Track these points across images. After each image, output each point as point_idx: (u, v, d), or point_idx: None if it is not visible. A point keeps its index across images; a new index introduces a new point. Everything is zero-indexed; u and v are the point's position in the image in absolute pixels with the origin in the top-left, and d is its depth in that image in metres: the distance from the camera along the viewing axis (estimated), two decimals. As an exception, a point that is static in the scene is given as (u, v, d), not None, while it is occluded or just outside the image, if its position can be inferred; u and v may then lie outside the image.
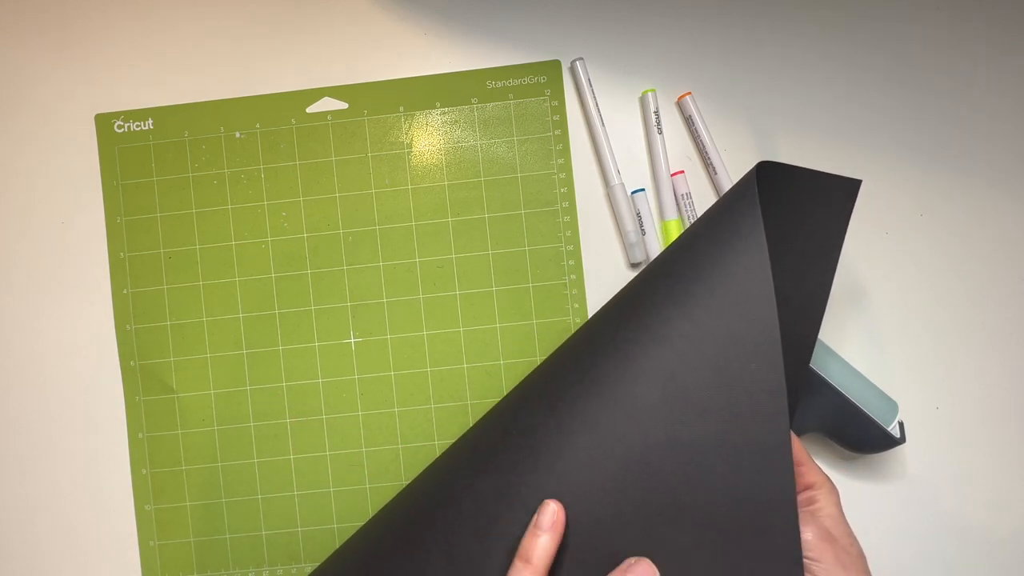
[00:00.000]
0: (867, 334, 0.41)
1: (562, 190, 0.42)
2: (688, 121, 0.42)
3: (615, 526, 0.30)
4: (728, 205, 0.32)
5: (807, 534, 0.31)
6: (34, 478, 0.42)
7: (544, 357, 0.41)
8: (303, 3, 0.43)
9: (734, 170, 0.41)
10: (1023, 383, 0.41)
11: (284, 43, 0.43)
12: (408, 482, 0.41)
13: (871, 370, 0.40)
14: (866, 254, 0.41)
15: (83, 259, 0.42)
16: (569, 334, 0.41)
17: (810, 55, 0.42)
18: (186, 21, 0.43)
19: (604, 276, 0.42)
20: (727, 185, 0.41)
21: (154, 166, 0.42)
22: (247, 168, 0.42)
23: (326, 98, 0.42)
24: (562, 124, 0.42)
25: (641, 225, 0.41)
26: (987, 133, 0.42)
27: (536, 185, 0.42)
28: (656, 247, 0.41)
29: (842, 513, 0.34)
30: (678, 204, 0.41)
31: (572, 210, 0.42)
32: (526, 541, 0.29)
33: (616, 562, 0.29)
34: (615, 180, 0.41)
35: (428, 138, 0.42)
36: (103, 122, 0.43)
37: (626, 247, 0.42)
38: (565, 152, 0.42)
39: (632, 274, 0.42)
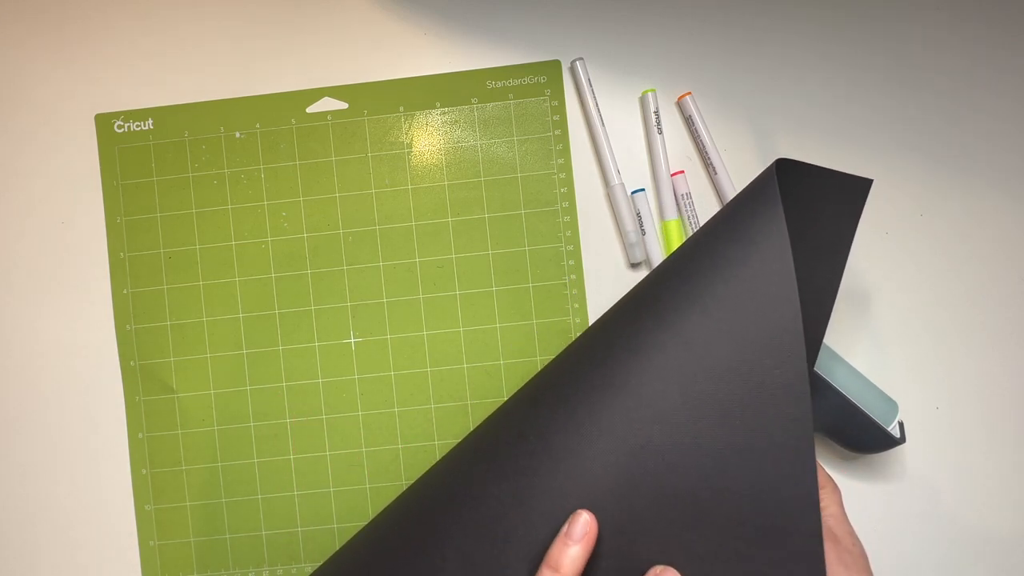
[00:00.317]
0: (867, 334, 0.41)
1: (562, 190, 0.42)
2: (688, 121, 0.42)
3: (636, 532, 0.29)
4: (747, 202, 0.31)
5: None
6: (34, 478, 0.42)
7: (544, 357, 0.41)
8: (303, 3, 0.43)
9: (734, 170, 0.41)
10: (1023, 383, 0.41)
11: (284, 43, 0.43)
12: (409, 482, 0.41)
13: (871, 370, 0.40)
14: (866, 254, 0.41)
15: (83, 259, 0.42)
16: (569, 334, 0.41)
17: (810, 55, 0.42)
18: (186, 21, 0.43)
19: (604, 276, 0.42)
20: (727, 185, 0.41)
21: (154, 166, 0.42)
22: (247, 168, 0.42)
23: (326, 98, 0.42)
24: (562, 124, 0.42)
25: (641, 225, 0.41)
26: (987, 133, 0.42)
27: (536, 185, 0.42)
28: (656, 247, 0.41)
29: (844, 513, 0.34)
30: (678, 204, 0.41)
31: (572, 210, 0.42)
32: (555, 550, 0.28)
33: (637, 570, 0.29)
34: (615, 180, 0.41)
35: (428, 138, 0.42)
36: (103, 122, 0.43)
37: (626, 247, 0.42)
38: (565, 152, 0.42)
39: (632, 274, 0.42)
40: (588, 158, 0.42)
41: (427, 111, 0.42)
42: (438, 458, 0.38)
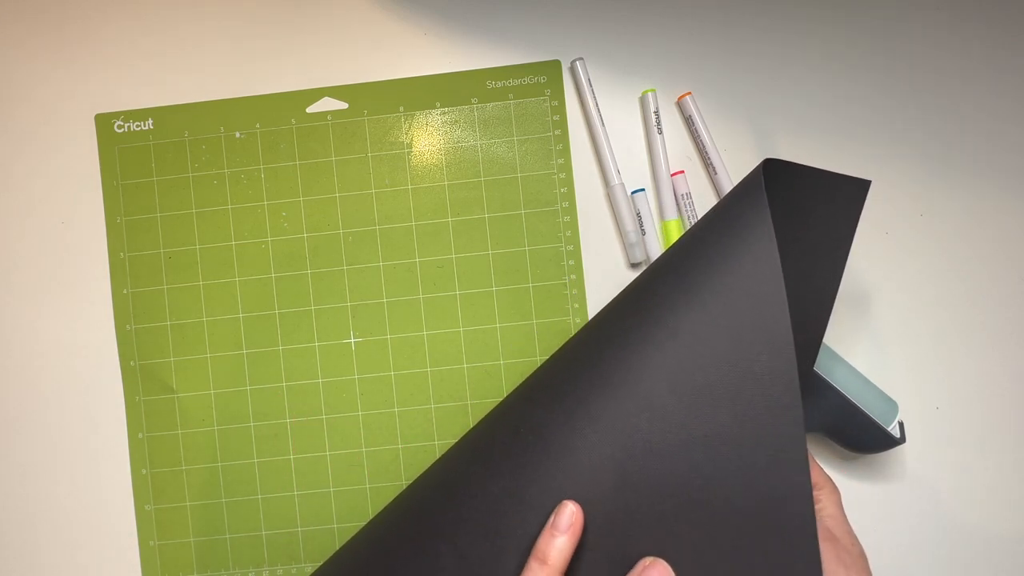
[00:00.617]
0: (867, 334, 0.41)
1: (562, 190, 0.42)
2: (688, 121, 0.42)
3: (628, 525, 0.29)
4: (735, 199, 0.32)
5: None
6: (34, 478, 0.42)
7: (544, 357, 0.41)
8: (303, 3, 0.43)
9: (734, 170, 0.41)
10: (1023, 383, 0.41)
11: (284, 43, 0.43)
12: (408, 482, 0.41)
13: (871, 370, 0.40)
14: (866, 254, 0.41)
15: (83, 259, 0.42)
16: (569, 334, 0.41)
17: (810, 55, 0.42)
18: (186, 21, 0.43)
19: (604, 276, 0.42)
20: (727, 185, 0.41)
21: (154, 166, 0.42)
22: (247, 168, 0.42)
23: (326, 98, 0.42)
24: (562, 124, 0.42)
25: (641, 225, 0.41)
26: (988, 133, 0.42)
27: (536, 185, 0.42)
28: (656, 247, 0.41)
29: (843, 513, 0.34)
30: (678, 204, 0.41)
31: (572, 210, 0.42)
32: (542, 542, 0.28)
33: (630, 562, 0.29)
34: (615, 180, 0.41)
35: (428, 138, 0.42)
36: (103, 122, 0.43)
37: (626, 247, 0.42)
38: (565, 152, 0.42)
39: (632, 274, 0.42)
40: (588, 158, 0.42)
41: (427, 111, 0.42)
42: (438, 458, 0.38)
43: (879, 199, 0.42)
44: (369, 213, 0.42)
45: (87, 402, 0.42)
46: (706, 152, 0.41)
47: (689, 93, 0.42)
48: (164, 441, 0.42)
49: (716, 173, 0.41)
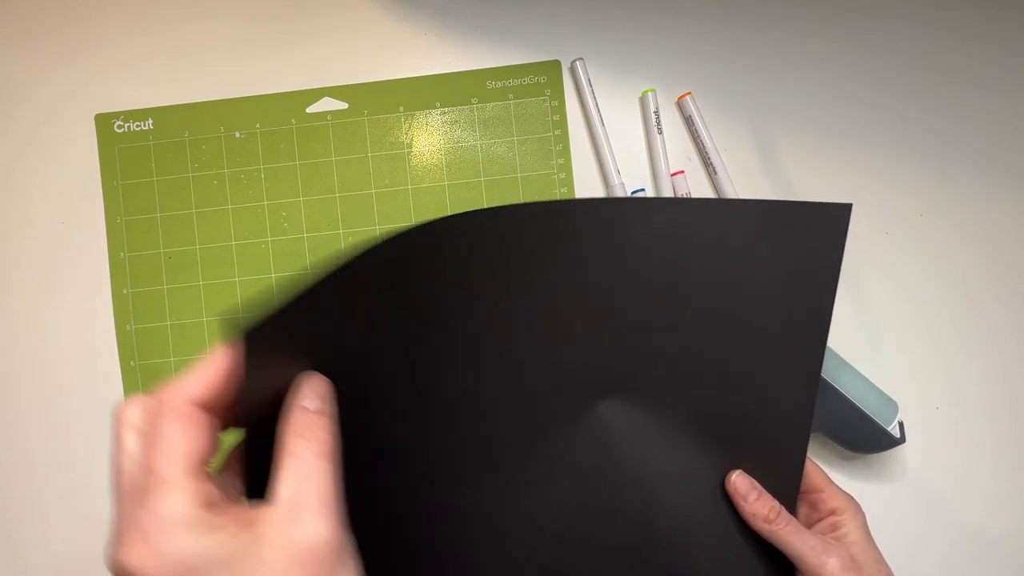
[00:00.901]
0: (867, 334, 0.41)
1: (562, 190, 0.42)
2: (688, 121, 0.42)
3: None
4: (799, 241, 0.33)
5: (831, 561, 0.31)
6: (35, 477, 0.42)
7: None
8: (303, 3, 0.43)
9: (734, 170, 0.41)
10: (1023, 383, 0.41)
11: (284, 43, 0.43)
12: None
13: (871, 370, 0.40)
14: (866, 254, 0.41)
15: (83, 259, 0.42)
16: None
17: (810, 55, 0.42)
18: (186, 21, 0.43)
19: (604, 276, 0.42)
20: (727, 185, 0.41)
21: (154, 166, 0.42)
22: (247, 168, 0.42)
23: (326, 98, 0.42)
24: (562, 124, 0.42)
25: (641, 225, 0.41)
26: (988, 133, 0.42)
27: (536, 185, 0.42)
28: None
29: (869, 537, 0.33)
30: (678, 204, 0.42)
31: (572, 210, 0.42)
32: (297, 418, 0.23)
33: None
34: (615, 180, 0.41)
35: (428, 138, 0.42)
36: (103, 122, 0.43)
37: (626, 247, 0.41)
38: (565, 152, 0.42)
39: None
40: (588, 158, 0.42)
41: (427, 111, 0.42)
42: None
43: (879, 199, 0.42)
44: (369, 213, 0.42)
45: (87, 402, 0.42)
46: (706, 152, 0.41)
47: (689, 93, 0.42)
48: (164, 441, 0.42)
49: (716, 173, 0.41)
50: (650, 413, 0.34)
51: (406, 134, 0.42)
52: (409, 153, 0.42)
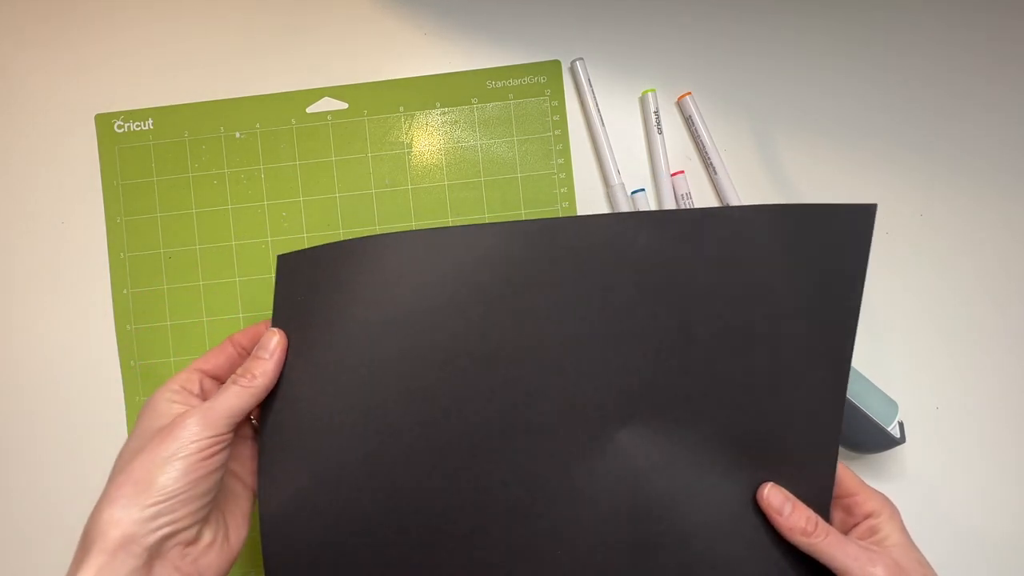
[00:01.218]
0: (867, 334, 0.41)
1: (562, 190, 0.42)
2: (688, 121, 0.42)
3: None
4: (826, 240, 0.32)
5: (877, 571, 0.30)
6: (35, 478, 0.42)
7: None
8: (303, 3, 0.43)
9: (734, 170, 0.41)
10: (1023, 383, 0.41)
11: (284, 43, 0.43)
12: None
13: (871, 370, 0.40)
14: (866, 254, 0.42)
15: (83, 259, 0.42)
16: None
17: (810, 55, 0.42)
18: (186, 21, 0.43)
19: (604, 276, 0.42)
20: (727, 185, 0.41)
21: (154, 166, 0.42)
22: (247, 168, 0.42)
23: (326, 98, 0.42)
24: (562, 124, 0.42)
25: (641, 225, 0.41)
26: (988, 133, 0.42)
27: (536, 185, 0.42)
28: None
29: (909, 538, 0.32)
30: (678, 204, 0.41)
31: (572, 210, 0.42)
32: (251, 363, 0.32)
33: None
34: (615, 180, 0.41)
35: (428, 138, 0.42)
36: (103, 122, 0.43)
37: (626, 247, 0.41)
38: (565, 152, 0.42)
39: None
40: (588, 158, 0.42)
41: (427, 111, 0.42)
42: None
43: (879, 199, 0.42)
44: (369, 213, 0.42)
45: (87, 402, 0.42)
46: (706, 152, 0.41)
47: (689, 93, 0.42)
48: (164, 441, 0.42)
49: (716, 173, 0.41)
50: (674, 436, 0.33)
51: (406, 134, 0.42)
52: (409, 153, 0.42)
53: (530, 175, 0.42)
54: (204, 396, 0.33)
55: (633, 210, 0.41)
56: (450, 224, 0.42)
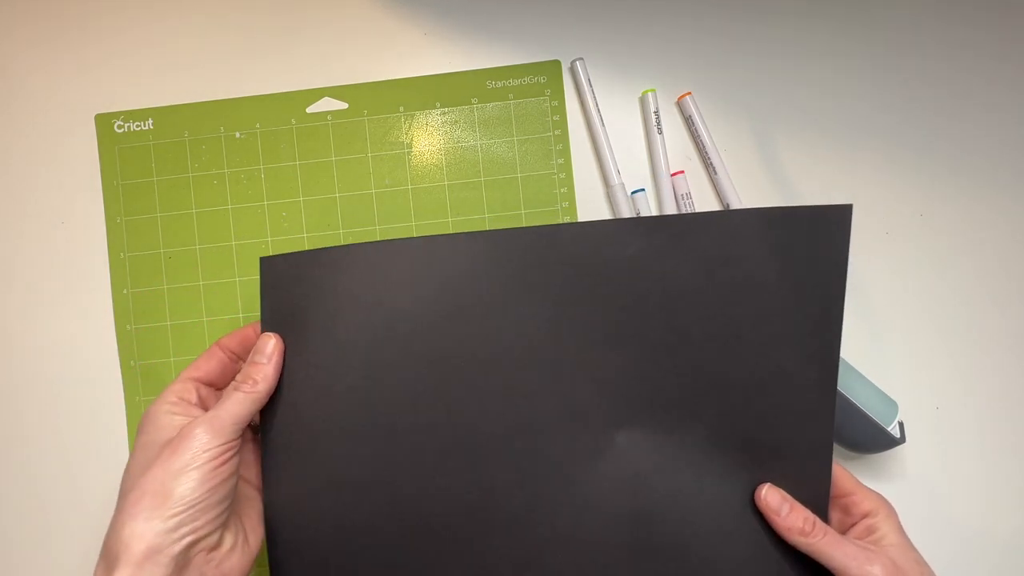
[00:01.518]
0: (867, 334, 0.41)
1: (562, 190, 0.42)
2: (688, 121, 0.42)
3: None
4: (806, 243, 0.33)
5: (874, 570, 0.30)
6: (34, 479, 0.42)
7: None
8: (303, 3, 0.43)
9: (734, 170, 0.41)
10: (1023, 383, 0.41)
11: (284, 43, 0.43)
12: None
13: (871, 370, 0.40)
14: (866, 254, 0.41)
15: (83, 259, 0.42)
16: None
17: (810, 55, 0.42)
18: (186, 21, 0.43)
19: (604, 276, 0.42)
20: (727, 185, 0.41)
21: (154, 166, 0.42)
22: (247, 168, 0.42)
23: (326, 98, 0.42)
24: (562, 124, 0.42)
25: (641, 225, 0.41)
26: (988, 133, 0.42)
27: (536, 185, 0.42)
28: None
29: (906, 537, 0.33)
30: (678, 204, 0.41)
31: (572, 210, 0.42)
32: (251, 368, 0.32)
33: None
34: (615, 180, 0.41)
35: (428, 138, 0.42)
36: (103, 122, 0.43)
37: (626, 247, 0.41)
38: (565, 152, 0.42)
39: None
40: (588, 158, 0.42)
41: (427, 111, 0.42)
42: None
43: (879, 199, 0.42)
44: (369, 213, 0.42)
45: (87, 402, 0.42)
46: (706, 152, 0.41)
47: (689, 93, 0.42)
48: (164, 441, 0.42)
49: (716, 173, 0.41)
50: (672, 438, 0.33)
51: (406, 134, 0.42)
52: (409, 153, 0.42)
53: (530, 175, 0.42)
54: (202, 404, 0.33)
55: (633, 211, 0.41)
56: (450, 224, 0.42)
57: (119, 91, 0.43)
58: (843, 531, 0.34)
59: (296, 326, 0.33)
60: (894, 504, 0.35)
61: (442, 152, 0.42)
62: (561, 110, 0.42)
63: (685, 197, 0.41)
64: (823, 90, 0.42)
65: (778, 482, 0.33)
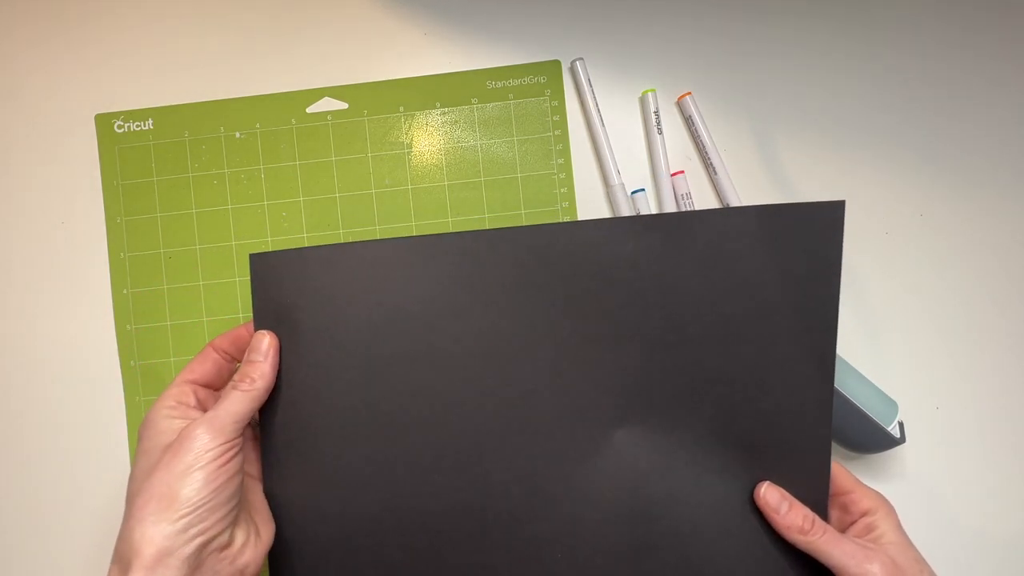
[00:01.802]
0: (867, 334, 0.41)
1: (562, 190, 0.42)
2: (688, 121, 0.42)
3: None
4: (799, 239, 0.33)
5: (873, 568, 0.30)
6: (34, 479, 0.42)
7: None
8: (303, 3, 0.43)
9: (734, 170, 0.41)
10: (1023, 383, 0.41)
11: (284, 43, 0.43)
12: None
13: (871, 370, 0.40)
14: (866, 254, 0.41)
15: (83, 259, 0.42)
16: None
17: (810, 54, 0.42)
18: (186, 21, 0.43)
19: (604, 276, 0.42)
20: (727, 185, 0.41)
21: (154, 166, 0.42)
22: (247, 168, 0.42)
23: (326, 98, 0.42)
24: (562, 124, 0.42)
25: (641, 225, 0.41)
26: (987, 133, 0.42)
27: (536, 185, 0.42)
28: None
29: (905, 536, 0.33)
30: (678, 204, 0.41)
31: (572, 210, 0.42)
32: (248, 367, 0.32)
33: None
34: (615, 180, 0.41)
35: (428, 138, 0.42)
36: (103, 122, 0.43)
37: (626, 247, 0.41)
38: (565, 152, 0.42)
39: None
40: (588, 158, 0.42)
41: (427, 111, 0.42)
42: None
43: (878, 199, 0.42)
44: (369, 213, 0.42)
45: (87, 402, 0.42)
46: (706, 152, 0.41)
47: (689, 93, 0.42)
48: (164, 441, 0.42)
49: (716, 173, 0.41)
50: (671, 435, 0.33)
51: (406, 134, 0.42)
52: (409, 153, 0.42)
53: (530, 175, 0.42)
54: (201, 406, 0.33)
55: (633, 211, 0.41)
56: (450, 224, 0.42)
57: (119, 91, 0.43)
58: (842, 529, 0.34)
59: (290, 323, 0.33)
60: (894, 504, 0.35)
61: (442, 152, 0.42)
62: (561, 110, 0.42)
63: (685, 197, 0.41)
64: (823, 90, 0.42)
65: (777, 480, 0.33)
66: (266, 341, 0.33)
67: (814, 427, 0.33)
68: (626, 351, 0.33)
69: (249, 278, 0.42)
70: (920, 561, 0.32)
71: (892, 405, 0.39)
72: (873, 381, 0.39)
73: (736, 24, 0.42)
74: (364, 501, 0.33)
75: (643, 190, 0.41)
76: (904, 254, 0.42)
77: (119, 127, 0.43)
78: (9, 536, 0.42)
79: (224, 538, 0.29)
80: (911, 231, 0.42)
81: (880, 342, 0.41)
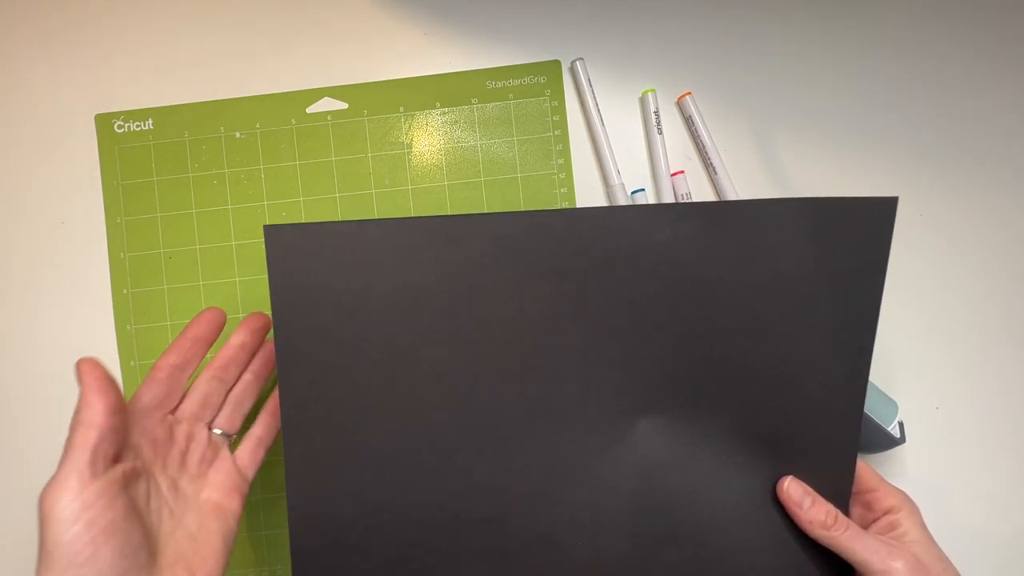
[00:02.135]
0: (867, 334, 0.41)
1: (562, 190, 0.42)
2: (688, 121, 0.42)
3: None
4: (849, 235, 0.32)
5: (897, 565, 0.30)
6: (34, 479, 0.42)
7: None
8: (303, 3, 0.43)
9: (734, 170, 0.41)
10: (1023, 383, 0.41)
11: (284, 43, 0.43)
12: None
13: (871, 370, 0.40)
14: (866, 254, 0.42)
15: (83, 259, 0.42)
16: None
17: (810, 55, 0.42)
18: (186, 21, 0.43)
19: (604, 276, 0.42)
20: (727, 185, 0.41)
21: (154, 166, 0.42)
22: (247, 168, 0.42)
23: (326, 98, 0.42)
24: (562, 124, 0.42)
25: (641, 225, 0.41)
26: (987, 133, 0.42)
27: (536, 185, 0.42)
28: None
29: (929, 534, 0.32)
30: (678, 204, 0.42)
31: (572, 210, 0.42)
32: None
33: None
34: (615, 180, 0.41)
35: (428, 138, 0.42)
36: (103, 122, 0.43)
37: (626, 247, 0.41)
38: (565, 152, 0.42)
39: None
40: (588, 158, 0.42)
41: (427, 111, 0.42)
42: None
43: (879, 199, 0.42)
44: (369, 213, 0.42)
45: (87, 402, 0.42)
46: (706, 152, 0.41)
47: (689, 93, 0.42)
48: (164, 441, 0.42)
49: (716, 173, 0.41)
50: (695, 426, 0.33)
51: (406, 134, 0.42)
52: (409, 153, 0.42)
53: (530, 175, 0.42)
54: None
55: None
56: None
57: (119, 91, 0.43)
58: (864, 527, 0.33)
59: (309, 299, 0.32)
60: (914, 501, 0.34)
61: (442, 152, 0.42)
62: (561, 110, 0.42)
63: (685, 197, 0.41)
64: (823, 90, 0.42)
65: (801, 475, 0.33)
66: (83, 370, 0.32)
67: (843, 426, 0.33)
68: (655, 340, 0.32)
69: (249, 278, 0.42)
70: (944, 560, 0.32)
71: (892, 405, 0.39)
72: (873, 381, 0.39)
73: (736, 24, 0.42)
74: (386, 479, 0.33)
75: (643, 190, 0.41)
76: (904, 254, 0.42)
77: (119, 127, 0.43)
78: (6, 537, 0.42)
79: None
80: (911, 231, 0.42)
81: (880, 342, 0.41)
